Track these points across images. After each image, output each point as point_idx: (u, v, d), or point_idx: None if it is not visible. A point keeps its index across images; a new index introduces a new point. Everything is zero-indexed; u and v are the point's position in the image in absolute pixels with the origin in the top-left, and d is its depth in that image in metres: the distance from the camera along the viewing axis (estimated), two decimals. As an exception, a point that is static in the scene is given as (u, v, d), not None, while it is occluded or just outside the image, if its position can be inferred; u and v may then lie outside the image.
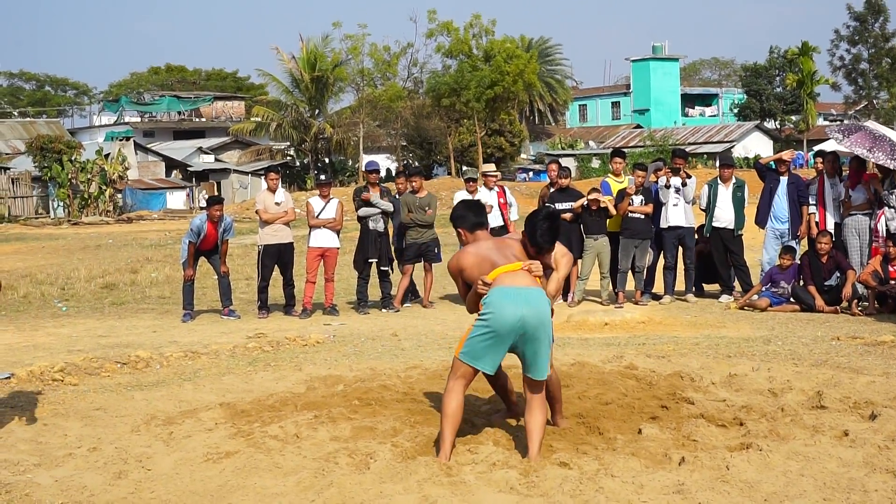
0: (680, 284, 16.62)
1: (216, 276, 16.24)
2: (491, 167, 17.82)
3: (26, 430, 8.18)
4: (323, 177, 17.16)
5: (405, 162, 70.09)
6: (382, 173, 16.45)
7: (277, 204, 15.93)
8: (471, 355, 7.05)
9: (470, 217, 7.53)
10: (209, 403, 9.07)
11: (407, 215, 16.29)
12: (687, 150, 17.60)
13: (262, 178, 16.80)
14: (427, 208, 16.31)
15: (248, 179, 65.44)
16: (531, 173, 67.08)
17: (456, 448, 7.15)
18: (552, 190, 16.68)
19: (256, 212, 16.27)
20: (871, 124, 16.57)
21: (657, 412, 8.23)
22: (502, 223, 16.60)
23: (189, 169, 66.55)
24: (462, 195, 16.52)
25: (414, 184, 16.57)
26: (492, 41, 66.32)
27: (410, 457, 6.92)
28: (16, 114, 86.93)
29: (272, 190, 16.09)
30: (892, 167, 14.55)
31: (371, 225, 15.91)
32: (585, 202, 15.91)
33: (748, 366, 10.13)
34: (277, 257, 15.81)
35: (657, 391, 9.01)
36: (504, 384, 7.97)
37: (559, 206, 15.99)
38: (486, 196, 16.61)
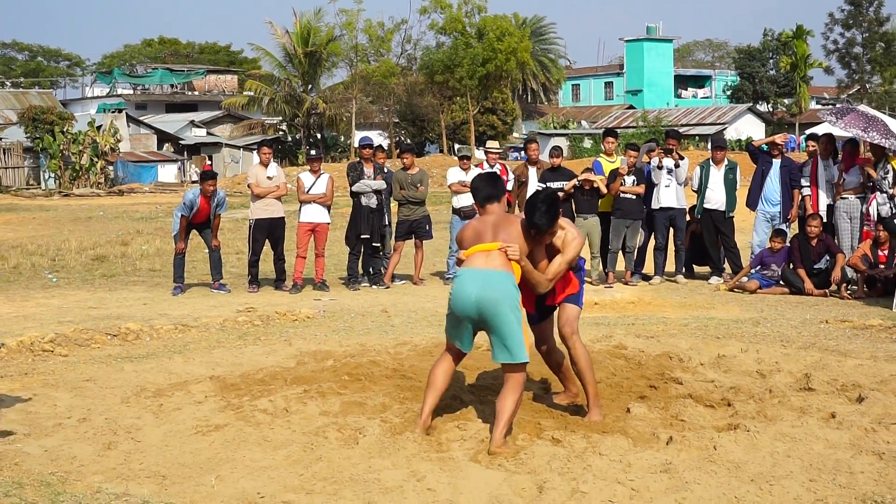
0: (670, 265, 16.65)
1: (207, 250, 16.23)
2: (494, 144, 17.78)
3: (16, 400, 8.18)
4: (313, 152, 17.12)
5: (397, 139, 70.01)
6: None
7: (269, 178, 15.90)
8: (447, 332, 7.19)
9: (481, 190, 7.45)
10: (199, 376, 9.08)
11: (399, 192, 16.29)
12: (679, 131, 17.60)
13: (255, 152, 16.77)
14: (419, 185, 16.30)
15: (239, 154, 65.33)
16: (522, 152, 67.01)
17: (445, 424, 7.19)
18: (543, 169, 16.67)
19: (248, 186, 16.24)
20: (863, 108, 16.59)
21: (646, 392, 8.27)
22: None
23: (181, 142, 66.47)
24: (455, 172, 16.55)
25: (405, 160, 16.58)
26: (484, 18, 66.19)
27: (399, 432, 6.94)
28: (8, 84, 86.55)
29: (264, 164, 16.07)
30: (886, 146, 14.58)
31: (364, 201, 15.89)
32: (577, 182, 15.92)
33: (737, 347, 10.16)
34: (268, 232, 15.80)
35: (646, 371, 9.05)
36: (559, 362, 7.91)
37: (552, 185, 16.01)
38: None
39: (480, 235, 7.17)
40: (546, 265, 7.28)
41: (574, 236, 7.29)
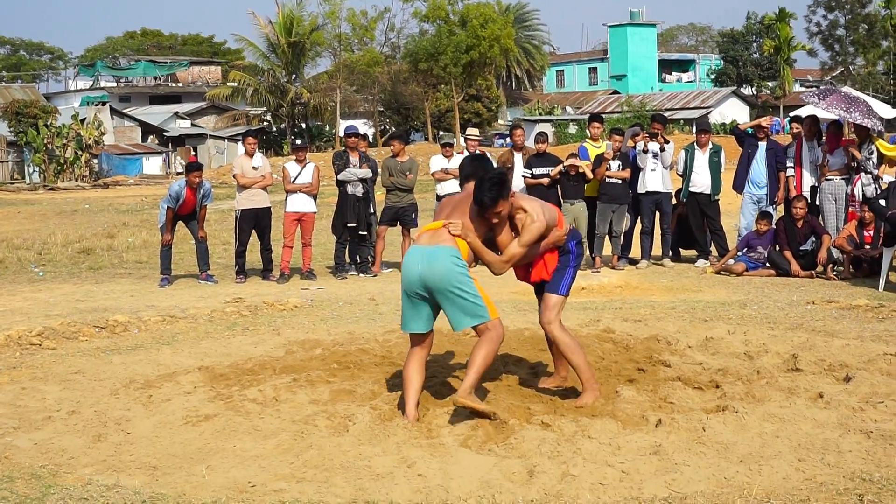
0: (657, 249, 16.69)
1: (193, 241, 16.21)
2: (475, 131, 17.80)
3: (5, 393, 8.17)
4: (299, 141, 17.11)
5: (382, 128, 69.97)
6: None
7: (255, 168, 15.87)
8: (402, 322, 7.25)
9: (464, 169, 7.59)
10: (188, 367, 9.08)
11: (388, 179, 16.29)
12: (664, 115, 17.62)
13: (240, 142, 16.73)
14: (408, 173, 16.31)
15: (224, 145, 65.24)
16: (508, 139, 67.03)
17: (434, 411, 7.20)
18: (528, 155, 16.67)
19: (234, 176, 16.21)
20: (846, 89, 16.65)
21: (634, 375, 8.30)
22: None
23: (165, 134, 66.32)
24: (438, 160, 16.59)
25: (393, 147, 16.61)
26: (467, 6, 66.15)
27: (389, 419, 6.95)
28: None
29: (249, 154, 16.04)
30: (869, 125, 14.64)
31: (350, 189, 15.87)
32: (563, 168, 15.92)
33: (724, 329, 10.19)
34: (255, 222, 15.78)
35: (634, 354, 9.07)
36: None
37: (537, 171, 16.03)
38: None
39: (440, 213, 7.35)
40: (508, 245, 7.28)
41: (534, 220, 7.21)
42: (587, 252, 16.12)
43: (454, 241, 7.07)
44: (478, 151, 16.80)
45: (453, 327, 7.10)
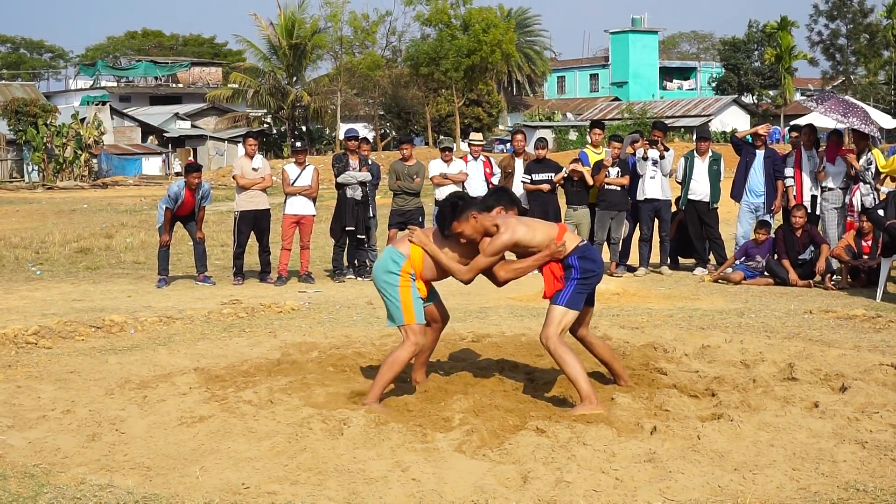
0: (655, 257, 16.69)
1: (192, 242, 16.21)
2: (478, 136, 17.79)
3: (0, 391, 8.17)
4: (298, 144, 17.11)
5: (382, 131, 70.02)
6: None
7: (255, 170, 15.86)
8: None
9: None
10: (183, 368, 9.08)
11: (395, 182, 16.31)
12: (665, 123, 17.60)
13: (240, 143, 16.71)
14: (415, 176, 16.33)
15: (224, 146, 65.25)
16: (508, 144, 67.08)
17: (430, 415, 7.20)
18: (528, 161, 16.67)
19: (234, 177, 16.20)
20: (845, 97, 16.67)
21: (630, 382, 8.28)
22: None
23: (165, 135, 66.32)
24: (436, 164, 16.61)
25: (404, 151, 16.65)
26: (469, 10, 66.19)
27: (384, 423, 6.94)
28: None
29: (250, 156, 16.01)
30: (867, 131, 14.66)
31: (349, 193, 15.87)
32: (566, 173, 15.93)
33: (721, 338, 10.19)
34: (253, 223, 15.77)
35: (630, 362, 9.06)
36: (597, 353, 8.10)
37: (536, 176, 16.06)
38: (465, 165, 16.67)
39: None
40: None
41: (498, 238, 7.42)
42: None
43: (407, 247, 7.60)
44: (481, 158, 16.90)
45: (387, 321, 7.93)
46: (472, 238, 7.43)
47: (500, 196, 8.03)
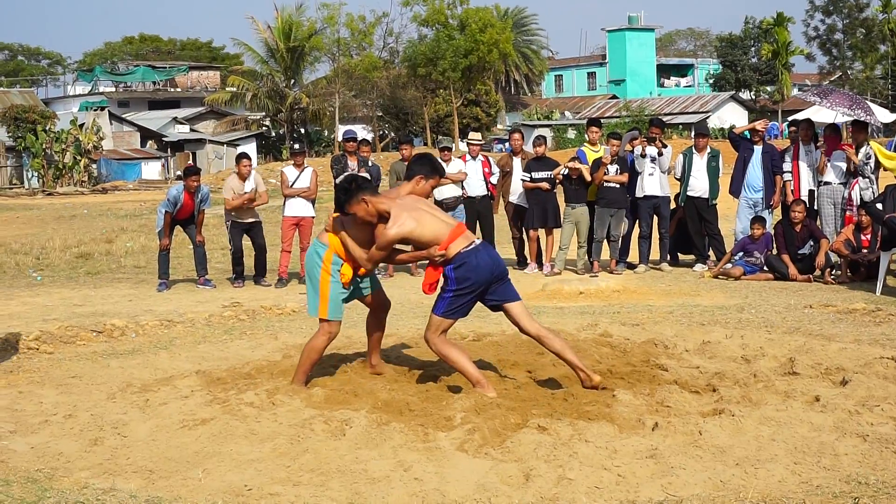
0: (655, 253, 16.69)
1: (192, 246, 16.20)
2: (477, 136, 17.79)
3: (2, 397, 8.17)
4: (297, 146, 17.11)
5: (381, 132, 70.00)
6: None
7: (246, 193, 15.74)
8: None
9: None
10: (185, 371, 9.08)
11: (396, 182, 16.32)
12: (662, 119, 17.63)
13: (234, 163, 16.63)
14: (416, 176, 16.34)
15: (223, 150, 65.22)
16: (507, 143, 66.99)
17: (432, 414, 7.20)
18: (526, 160, 16.68)
19: (225, 199, 16.05)
20: (844, 91, 16.71)
21: (631, 379, 8.28)
22: (486, 192, 16.79)
23: (164, 139, 66.26)
24: (436, 165, 16.58)
25: (403, 151, 16.69)
26: (466, 10, 66.22)
27: (385, 423, 6.95)
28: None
29: (243, 177, 15.75)
30: (871, 122, 14.70)
31: (348, 194, 15.85)
32: (565, 170, 15.94)
33: (722, 333, 10.20)
34: (244, 230, 15.80)
35: (631, 358, 9.06)
36: (550, 347, 8.05)
37: (536, 174, 16.07)
38: (464, 165, 16.68)
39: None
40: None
41: (387, 232, 7.63)
42: (585, 257, 16.10)
43: (327, 236, 7.97)
44: (480, 157, 16.91)
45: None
46: (366, 220, 7.73)
47: (422, 163, 8.28)
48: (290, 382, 8.11)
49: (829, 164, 15.11)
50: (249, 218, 15.81)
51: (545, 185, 16.06)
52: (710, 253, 16.31)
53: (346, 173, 15.87)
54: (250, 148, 66.27)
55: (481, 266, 7.72)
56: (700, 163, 16.19)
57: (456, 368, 7.87)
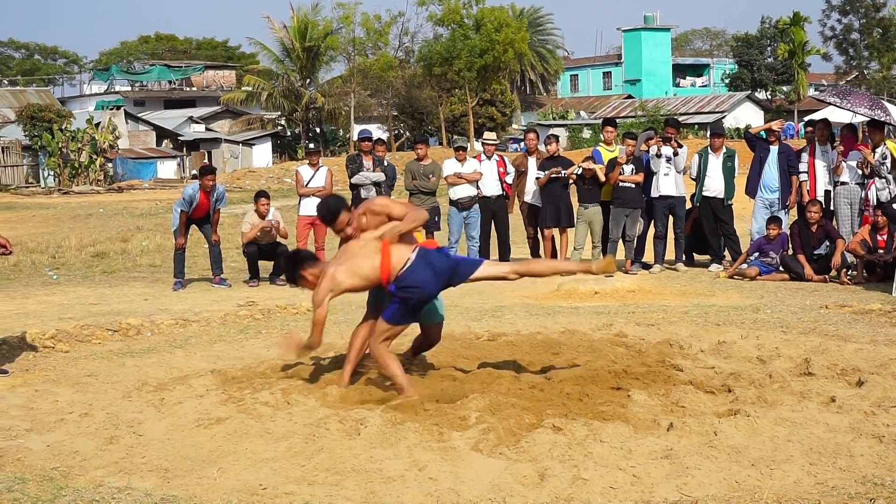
0: (670, 253, 16.66)
1: (207, 245, 16.23)
2: (492, 135, 17.78)
3: (18, 395, 8.20)
4: (312, 145, 17.12)
5: (396, 132, 70.06)
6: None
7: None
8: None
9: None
10: (200, 370, 9.10)
11: (410, 182, 16.35)
12: (678, 119, 17.60)
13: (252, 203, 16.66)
14: (430, 176, 16.36)
15: (238, 149, 65.31)
16: (522, 143, 67.00)
17: (447, 414, 7.20)
18: (542, 159, 16.66)
19: (242, 233, 16.11)
20: (861, 91, 16.67)
21: (646, 379, 8.28)
22: (501, 191, 16.78)
23: (180, 138, 66.37)
24: (451, 164, 16.59)
25: (419, 151, 16.69)
26: (482, 10, 66.19)
27: (400, 423, 6.95)
28: (6, 82, 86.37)
29: (262, 216, 15.89)
30: (893, 122, 14.68)
31: (363, 193, 15.88)
32: (579, 170, 15.93)
33: (737, 334, 10.18)
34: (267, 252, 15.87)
35: (647, 358, 9.06)
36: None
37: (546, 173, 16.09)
38: (479, 164, 16.67)
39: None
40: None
41: (318, 291, 7.83)
42: (600, 256, 16.07)
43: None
44: (495, 157, 16.90)
45: None
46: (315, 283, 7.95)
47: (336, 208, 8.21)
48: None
49: (845, 165, 15.07)
50: (269, 241, 15.82)
51: (558, 169, 15.99)
52: (726, 253, 16.28)
53: (360, 173, 15.94)
54: (265, 147, 66.41)
55: (420, 282, 7.82)
56: (716, 163, 16.16)
57: (387, 374, 7.97)
